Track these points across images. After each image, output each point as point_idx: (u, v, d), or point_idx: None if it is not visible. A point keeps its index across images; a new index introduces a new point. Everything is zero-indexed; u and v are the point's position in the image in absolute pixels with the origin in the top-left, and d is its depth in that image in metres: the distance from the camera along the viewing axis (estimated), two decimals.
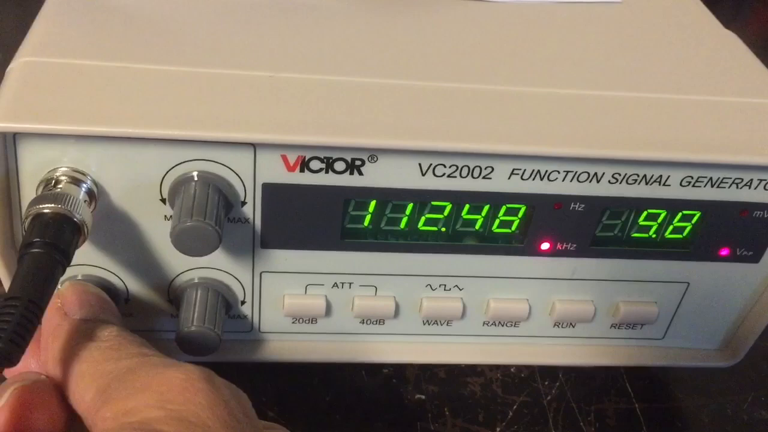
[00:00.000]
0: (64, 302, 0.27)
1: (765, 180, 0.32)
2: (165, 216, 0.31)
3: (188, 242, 0.28)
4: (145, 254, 0.32)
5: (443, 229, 0.33)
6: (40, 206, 0.27)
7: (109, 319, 0.28)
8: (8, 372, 0.25)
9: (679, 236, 0.34)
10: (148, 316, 0.34)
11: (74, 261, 0.31)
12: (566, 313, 0.36)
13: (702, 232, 0.34)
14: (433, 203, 0.32)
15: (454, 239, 0.33)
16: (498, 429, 0.38)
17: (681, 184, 0.32)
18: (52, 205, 0.26)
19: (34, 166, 0.29)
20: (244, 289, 0.34)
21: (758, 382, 0.42)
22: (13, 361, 0.21)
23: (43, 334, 0.26)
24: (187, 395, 0.21)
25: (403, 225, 0.33)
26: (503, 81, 0.33)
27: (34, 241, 0.25)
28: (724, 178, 0.32)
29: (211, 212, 0.28)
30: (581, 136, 0.31)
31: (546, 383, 0.40)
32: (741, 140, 0.32)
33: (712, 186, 0.32)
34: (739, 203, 0.33)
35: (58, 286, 0.26)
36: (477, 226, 0.33)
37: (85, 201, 0.28)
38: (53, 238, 0.26)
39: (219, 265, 0.33)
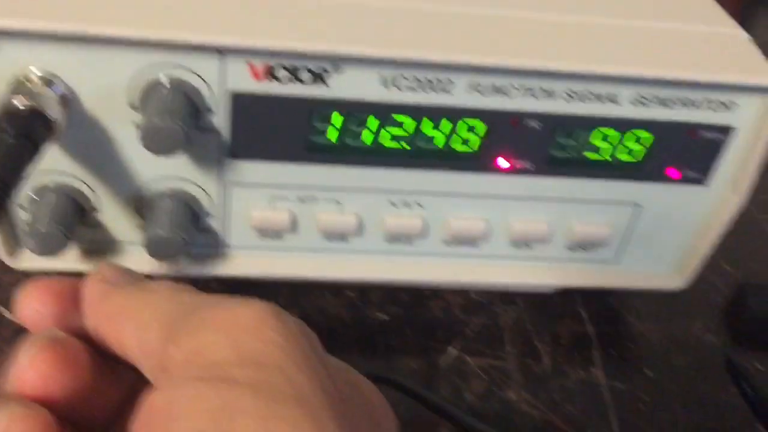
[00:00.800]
0: (105, 274, 0.24)
1: (712, 100, 0.34)
2: (134, 122, 0.32)
3: (156, 140, 0.29)
4: (114, 162, 0.33)
5: (406, 145, 0.34)
6: (15, 100, 0.28)
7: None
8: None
9: (631, 157, 0.36)
10: (116, 227, 0.35)
11: (44, 167, 0.32)
12: (523, 232, 0.38)
13: (652, 153, 0.35)
14: (396, 117, 0.33)
15: (416, 155, 0.34)
16: (456, 345, 0.39)
17: (631, 103, 0.33)
18: (27, 101, 0.27)
19: (5, 65, 0.29)
20: (212, 200, 0.35)
21: (707, 309, 0.44)
22: None
23: (87, 303, 0.23)
24: (259, 334, 0.19)
25: (366, 139, 0.34)
26: (467, 3, 0.34)
27: (6, 129, 0.26)
28: (672, 97, 0.33)
29: (179, 113, 0.29)
30: (537, 51, 0.32)
31: (504, 307, 0.42)
32: (689, 61, 0.33)
33: (661, 105, 0.34)
34: (687, 124, 0.34)
35: None
36: (438, 142, 0.34)
37: (58, 102, 0.29)
38: (25, 130, 0.27)
39: (187, 175, 0.34)
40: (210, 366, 0.19)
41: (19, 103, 0.28)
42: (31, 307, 0.23)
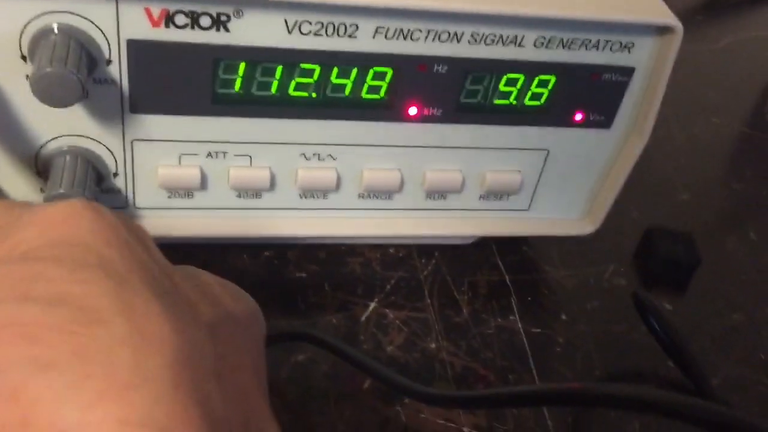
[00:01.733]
0: None
1: (611, 41, 0.35)
2: (27, 75, 0.30)
3: (49, 90, 0.28)
4: (8, 120, 0.31)
5: (314, 95, 0.34)
6: None
7: None
8: None
9: (537, 102, 0.36)
10: (15, 190, 0.34)
11: None
12: (436, 182, 0.38)
13: (557, 97, 0.36)
14: (302, 65, 0.33)
15: (325, 105, 0.34)
16: (376, 299, 0.39)
17: (535, 45, 0.34)
18: None
19: None
20: (115, 158, 0.34)
21: (617, 254, 0.45)
22: None
23: None
24: (69, 221, 0.20)
25: (273, 89, 0.33)
26: None
27: None
28: (574, 39, 0.34)
29: (72, 61, 0.28)
30: None
31: (422, 261, 0.42)
32: (587, 2, 0.34)
33: (564, 47, 0.34)
34: (589, 65, 0.35)
35: None
36: (346, 91, 0.34)
37: None
38: None
39: (87, 133, 0.33)
40: (19, 255, 0.19)
41: None
42: None
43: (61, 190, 0.31)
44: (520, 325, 0.40)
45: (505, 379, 0.37)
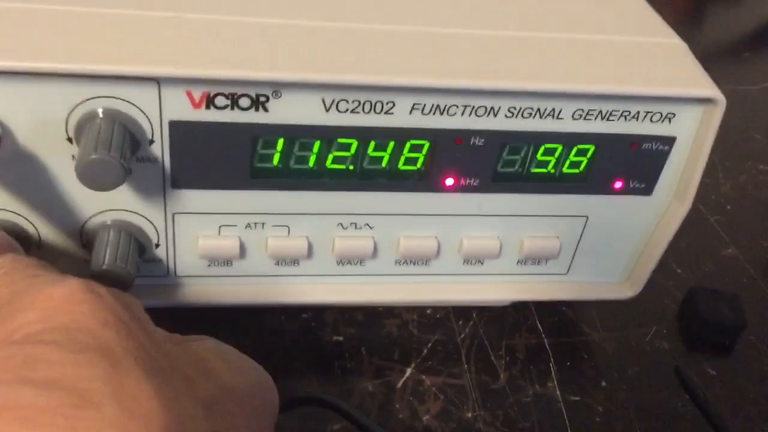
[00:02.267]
0: None
1: (651, 112, 0.34)
2: (73, 156, 0.31)
3: (93, 176, 0.29)
4: (54, 197, 0.32)
5: (351, 167, 0.34)
6: None
7: (4, 249, 0.27)
8: None
9: (576, 170, 0.36)
10: (62, 262, 0.34)
11: None
12: (474, 249, 0.38)
13: (596, 166, 0.36)
14: (339, 140, 0.33)
15: (362, 177, 0.34)
16: (413, 365, 0.39)
17: (573, 117, 0.34)
18: None
19: None
20: (157, 231, 0.34)
21: (659, 315, 0.45)
22: None
23: None
24: (69, 307, 0.21)
25: (311, 163, 0.34)
26: (403, 21, 0.34)
27: None
28: (613, 110, 0.34)
29: (116, 146, 0.29)
30: (476, 70, 0.32)
31: (460, 323, 0.42)
32: (626, 73, 0.33)
33: (603, 119, 0.34)
34: (629, 136, 0.35)
35: None
36: (383, 164, 0.34)
37: None
38: None
39: (130, 207, 0.33)
40: (21, 338, 0.20)
41: None
42: None
43: (105, 266, 0.32)
44: (558, 393, 0.39)
45: None
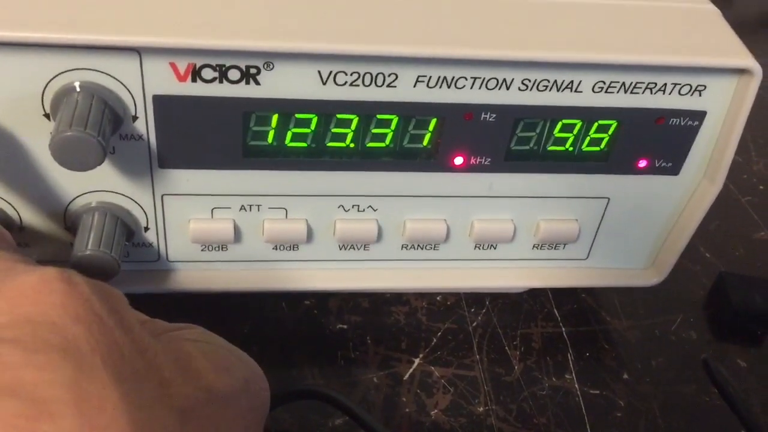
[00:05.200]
0: None
1: (679, 84, 0.31)
2: (51, 134, 0.29)
3: (69, 155, 0.27)
4: (34, 177, 0.30)
5: (352, 145, 0.32)
6: None
7: None
8: None
9: (597, 148, 0.33)
10: (45, 245, 0.33)
11: None
12: (485, 232, 0.35)
13: (619, 144, 0.33)
14: (338, 116, 0.30)
15: (364, 155, 0.32)
16: (421, 355, 0.37)
17: (594, 90, 0.31)
18: None
19: None
20: (145, 213, 0.32)
21: (686, 303, 0.42)
22: None
23: None
24: (38, 296, 0.19)
25: (308, 141, 0.31)
26: None
27: None
28: (637, 82, 0.31)
29: (93, 122, 0.27)
30: (486, 39, 0.29)
31: (472, 310, 0.40)
32: (652, 41, 0.31)
33: (626, 92, 0.31)
34: (654, 110, 0.32)
35: None
36: (387, 141, 0.32)
37: None
38: None
39: (116, 188, 0.31)
40: None
41: None
42: None
43: (88, 252, 0.30)
44: (576, 386, 0.37)
45: None
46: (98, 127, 0.27)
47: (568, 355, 0.38)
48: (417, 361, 0.37)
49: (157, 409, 0.19)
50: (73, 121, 0.26)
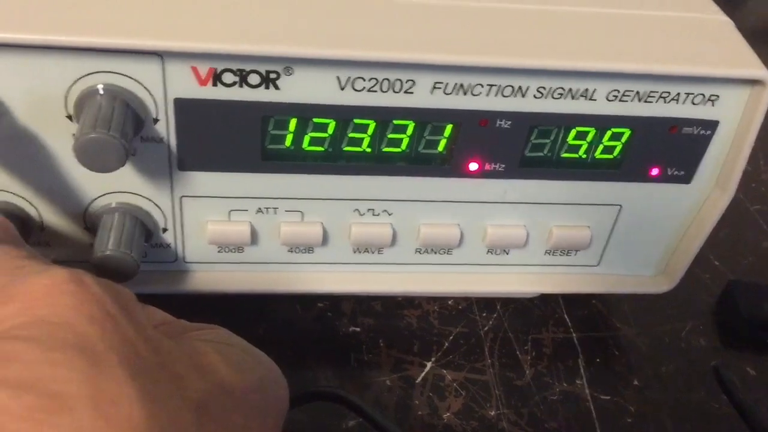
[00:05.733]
0: None
1: (693, 94, 0.32)
2: (73, 135, 0.29)
3: (92, 156, 0.27)
4: (56, 178, 0.31)
5: (368, 150, 0.32)
6: None
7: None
8: None
9: (609, 156, 0.34)
10: (65, 245, 0.33)
11: None
12: (498, 238, 0.36)
13: (632, 151, 0.33)
14: (356, 121, 0.31)
15: (380, 160, 0.32)
16: (433, 358, 0.37)
17: (608, 99, 0.31)
18: None
19: None
20: (164, 215, 0.33)
21: (697, 311, 0.42)
22: None
23: None
24: (51, 299, 0.20)
25: (325, 145, 0.32)
26: None
27: None
28: (651, 92, 0.31)
29: (117, 125, 0.27)
30: (503, 47, 0.30)
31: (483, 314, 0.40)
32: (665, 51, 0.31)
33: (640, 101, 0.32)
34: (667, 119, 0.32)
35: None
36: (402, 147, 0.32)
37: None
38: None
39: (136, 189, 0.32)
40: (1, 333, 0.19)
41: None
42: None
43: (108, 252, 0.30)
44: (587, 391, 0.37)
45: None
46: (121, 129, 0.27)
47: (579, 360, 0.38)
48: (429, 364, 0.37)
49: (173, 402, 0.20)
50: (96, 123, 0.27)
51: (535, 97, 0.31)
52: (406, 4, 0.31)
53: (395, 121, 0.31)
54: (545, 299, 0.41)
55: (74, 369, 0.18)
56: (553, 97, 0.31)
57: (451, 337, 0.39)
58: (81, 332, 0.19)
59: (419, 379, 0.36)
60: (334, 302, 0.39)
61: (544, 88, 0.31)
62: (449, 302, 0.40)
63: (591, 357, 0.39)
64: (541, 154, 0.33)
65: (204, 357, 0.22)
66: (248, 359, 0.25)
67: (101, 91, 0.28)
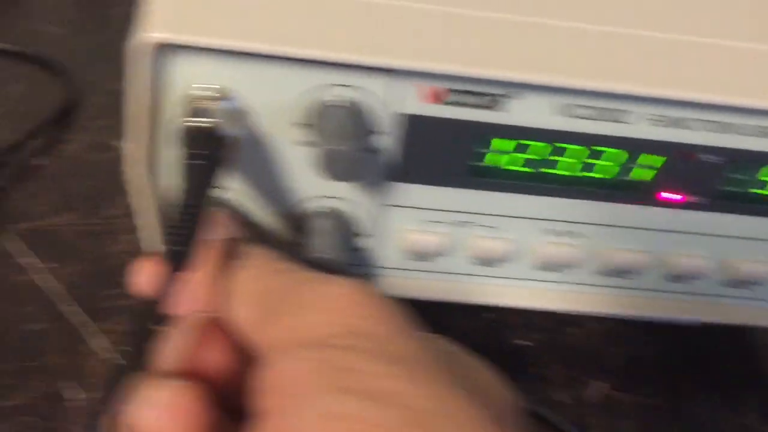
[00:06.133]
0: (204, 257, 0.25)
1: None
2: (294, 141, 0.31)
3: (338, 167, 0.29)
4: (275, 180, 0.33)
5: (575, 174, 0.33)
6: (194, 120, 0.28)
7: (246, 236, 0.28)
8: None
9: None
10: (271, 245, 0.35)
11: None
12: (681, 267, 0.36)
13: None
14: (568, 146, 0.32)
15: (584, 184, 0.33)
16: (601, 378, 0.38)
17: None
18: (212, 119, 0.27)
19: (182, 81, 0.29)
20: (369, 221, 0.34)
21: None
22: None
23: (198, 286, 0.25)
24: (354, 309, 0.20)
25: (535, 167, 0.33)
26: (649, 26, 0.32)
27: (200, 153, 0.26)
28: None
29: (357, 138, 0.29)
30: (721, 83, 0.30)
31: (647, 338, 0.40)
32: None
33: None
34: None
35: None
36: (611, 174, 0.33)
37: (236, 120, 0.29)
38: (212, 149, 0.27)
39: (348, 195, 0.33)
40: (314, 340, 0.20)
41: (201, 122, 0.28)
42: (145, 274, 0.24)
43: (319, 255, 0.32)
44: (757, 425, 0.37)
45: None
46: (360, 141, 0.29)
47: (750, 392, 0.38)
48: (597, 383, 0.38)
49: (507, 418, 0.20)
50: (343, 137, 0.29)
51: (738, 133, 0.31)
52: (624, 34, 0.31)
53: (606, 149, 0.32)
54: (722, 329, 0.40)
55: (414, 383, 0.18)
56: (756, 136, 0.31)
57: (620, 359, 0.39)
58: (392, 346, 0.19)
59: (589, 398, 0.37)
60: (501, 314, 0.40)
61: (747, 125, 0.31)
62: (614, 323, 0.41)
63: (762, 390, 0.39)
64: (735, 189, 0.33)
65: (476, 372, 0.23)
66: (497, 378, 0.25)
67: (336, 103, 0.30)
